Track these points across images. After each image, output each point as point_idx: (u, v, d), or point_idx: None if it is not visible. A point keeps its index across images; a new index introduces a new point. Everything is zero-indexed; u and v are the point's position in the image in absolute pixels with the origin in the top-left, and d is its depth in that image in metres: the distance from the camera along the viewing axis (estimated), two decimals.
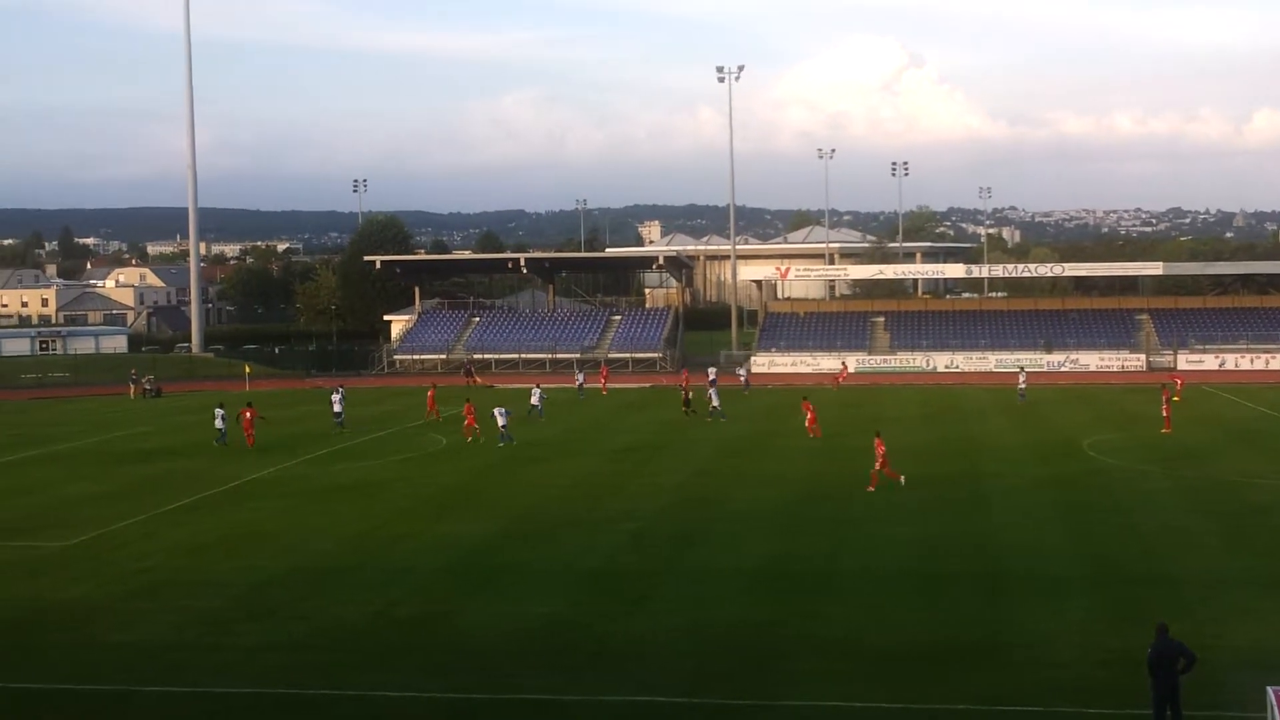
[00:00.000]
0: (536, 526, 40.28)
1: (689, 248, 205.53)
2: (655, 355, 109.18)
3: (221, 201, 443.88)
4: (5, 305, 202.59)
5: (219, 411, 61.35)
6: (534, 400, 71.43)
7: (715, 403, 70.53)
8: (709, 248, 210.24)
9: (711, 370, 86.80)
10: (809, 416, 60.68)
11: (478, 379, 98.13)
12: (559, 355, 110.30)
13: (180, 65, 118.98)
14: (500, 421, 59.60)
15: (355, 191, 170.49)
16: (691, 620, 29.17)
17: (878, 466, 45.84)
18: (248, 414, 60.01)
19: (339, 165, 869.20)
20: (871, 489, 44.89)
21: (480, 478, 50.64)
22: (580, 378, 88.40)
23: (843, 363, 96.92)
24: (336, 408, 67.82)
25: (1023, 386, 78.60)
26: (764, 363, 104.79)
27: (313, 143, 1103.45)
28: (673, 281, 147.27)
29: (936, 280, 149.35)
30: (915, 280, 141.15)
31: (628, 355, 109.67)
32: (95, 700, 24.42)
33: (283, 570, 34.82)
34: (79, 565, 35.78)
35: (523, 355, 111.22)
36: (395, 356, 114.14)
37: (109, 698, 24.54)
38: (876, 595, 31.16)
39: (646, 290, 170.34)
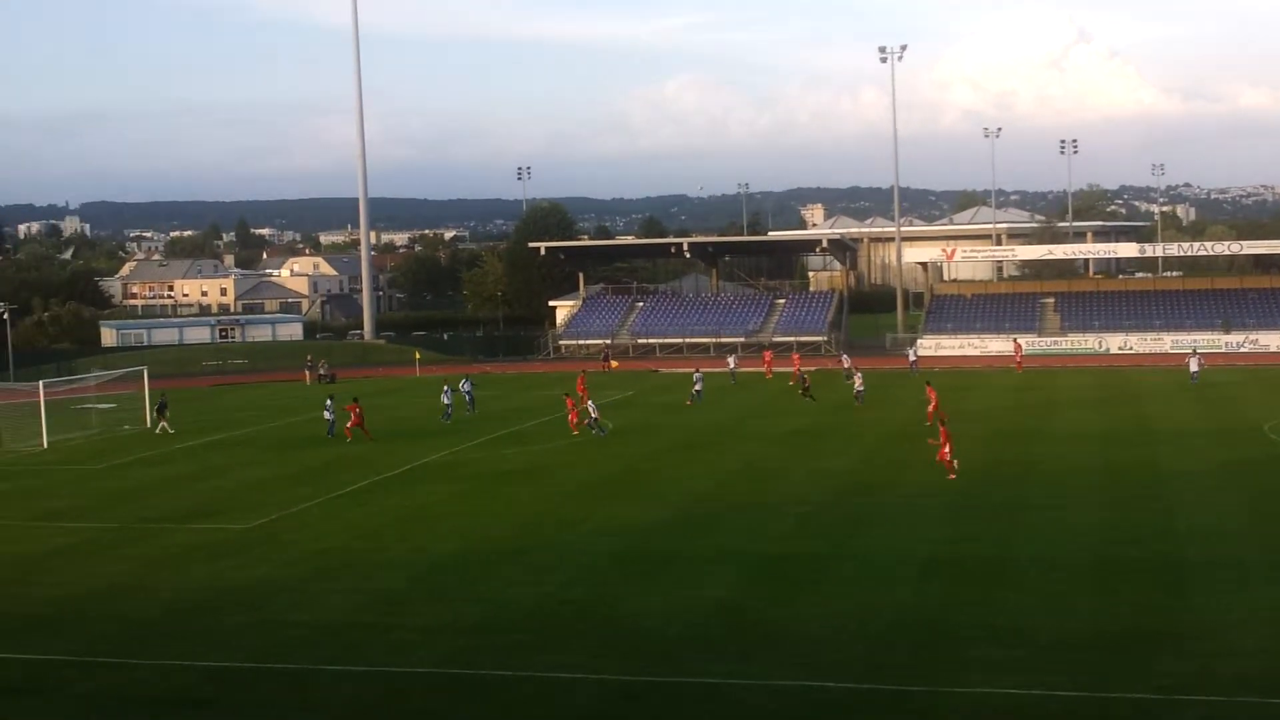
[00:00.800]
0: (704, 511, 40.33)
1: (852, 230, 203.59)
2: (819, 339, 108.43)
3: (391, 191, 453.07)
4: (186, 295, 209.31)
5: (328, 403, 61.82)
6: (696, 386, 71.40)
7: (859, 386, 69.18)
8: (873, 230, 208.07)
9: (846, 357, 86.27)
10: (932, 402, 58.60)
11: (613, 364, 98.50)
12: (723, 339, 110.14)
13: (349, 59, 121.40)
14: (593, 413, 58.60)
15: (520, 179, 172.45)
16: (861, 606, 28.94)
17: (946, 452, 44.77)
18: (356, 409, 59.55)
19: (504, 154, 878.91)
20: (952, 477, 44.05)
21: (648, 462, 50.85)
22: (732, 362, 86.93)
23: (1015, 341, 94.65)
24: (445, 399, 66.35)
25: (1195, 369, 76.18)
26: (931, 345, 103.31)
27: (478, 132, 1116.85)
28: (836, 264, 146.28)
29: (1108, 260, 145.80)
30: (1086, 260, 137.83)
31: (792, 339, 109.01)
32: (277, 679, 25.07)
33: (455, 552, 35.40)
34: (259, 547, 36.79)
35: (687, 340, 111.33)
36: (560, 342, 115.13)
37: (290, 676, 25.17)
38: (1052, 582, 30.57)
39: (810, 273, 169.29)
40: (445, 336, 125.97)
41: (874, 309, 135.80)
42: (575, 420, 59.25)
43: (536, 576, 32.53)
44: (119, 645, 27.38)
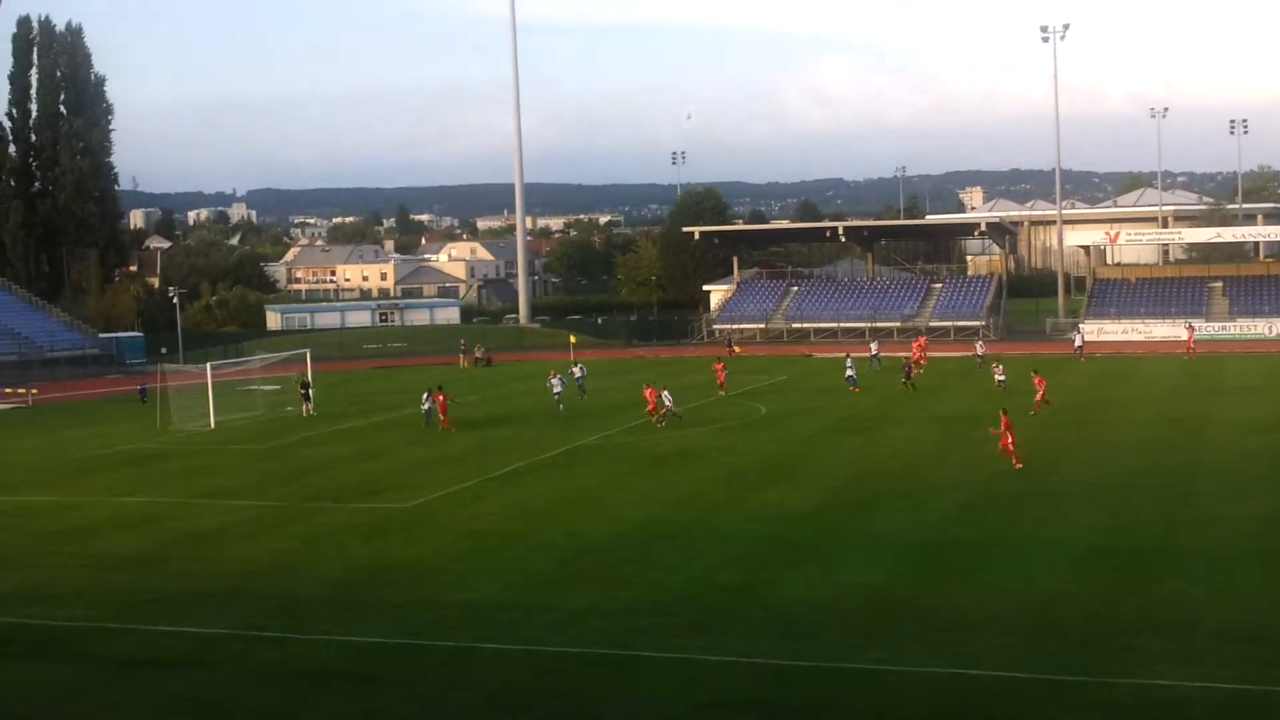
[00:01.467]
0: (858, 496, 40.00)
1: (1012, 213, 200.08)
2: (977, 323, 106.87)
3: (547, 177, 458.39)
4: (348, 279, 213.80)
5: (425, 395, 61.57)
6: (848, 371, 70.87)
7: (1001, 376, 66.64)
8: (1033, 213, 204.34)
9: (981, 345, 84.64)
10: (1039, 390, 57.25)
11: (736, 349, 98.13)
12: (878, 324, 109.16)
13: (507, 47, 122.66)
14: (668, 402, 57.08)
15: (674, 164, 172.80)
16: (1017, 594, 28.42)
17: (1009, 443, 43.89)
18: (440, 397, 59.14)
19: (658, 139, 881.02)
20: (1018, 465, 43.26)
21: (802, 446, 50.61)
22: (874, 348, 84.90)
23: (1188, 326, 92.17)
24: (556, 387, 65.75)
25: None
26: (1093, 331, 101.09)
27: (632, 118, 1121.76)
28: (995, 248, 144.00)
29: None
30: (1256, 243, 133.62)
31: (949, 324, 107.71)
32: (432, 655, 25.45)
33: (608, 535, 35.59)
34: (417, 526, 37.39)
35: (841, 324, 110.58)
36: (714, 326, 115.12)
37: (445, 653, 25.54)
38: (1217, 573, 29.68)
39: (968, 258, 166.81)
40: (599, 320, 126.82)
41: (1033, 293, 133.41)
42: (653, 410, 57.43)
43: (687, 560, 32.55)
44: (280, 620, 28.05)
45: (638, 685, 23.44)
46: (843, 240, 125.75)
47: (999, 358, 74.27)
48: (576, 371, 70.88)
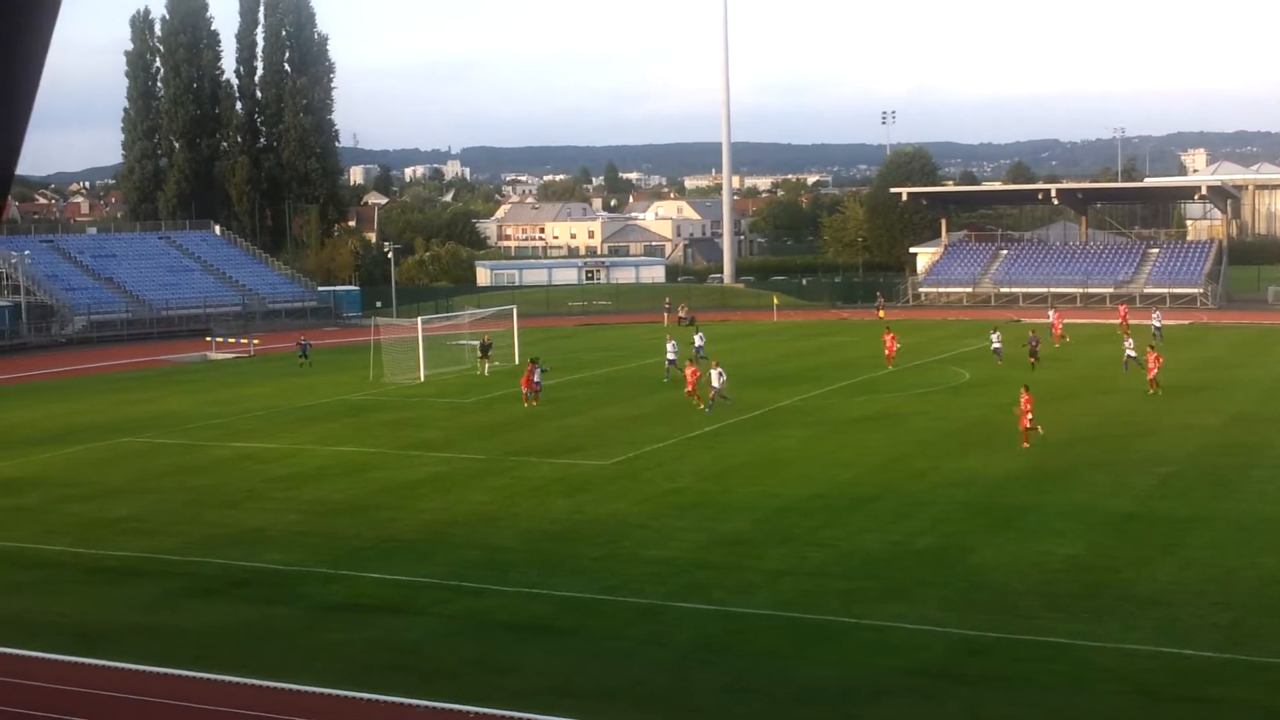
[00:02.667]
0: (1061, 465, 39.23)
1: (1236, 177, 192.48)
2: (1195, 291, 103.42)
3: (755, 136, 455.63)
4: (556, 237, 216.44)
5: (672, 345, 61.78)
6: (995, 344, 67.27)
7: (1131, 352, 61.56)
8: (1259, 177, 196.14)
9: (1159, 315, 79.83)
10: (1151, 369, 53.61)
11: (881, 313, 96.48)
12: (1090, 290, 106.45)
13: (717, 5, 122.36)
14: (716, 382, 51.72)
15: (884, 124, 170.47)
16: (1226, 571, 27.62)
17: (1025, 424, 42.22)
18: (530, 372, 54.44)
19: (868, 98, 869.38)
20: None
21: (1002, 414, 49.71)
22: (1052, 315, 79.98)
23: None
24: (670, 355, 61.63)
25: None
26: None
27: (842, 77, 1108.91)
28: (1216, 213, 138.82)
29: None
30: None
31: (1165, 290, 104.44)
32: (628, 611, 25.86)
33: (802, 497, 35.61)
34: (616, 483, 37.93)
35: (1051, 289, 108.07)
36: (920, 289, 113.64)
37: (640, 610, 25.93)
38: None
39: (1188, 222, 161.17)
40: (804, 282, 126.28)
41: (1256, 260, 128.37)
42: (693, 389, 52.66)
43: (883, 524, 32.42)
44: (481, 571, 28.81)
45: (829, 649, 23.49)
46: (1055, 203, 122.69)
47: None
48: (697, 340, 67.98)
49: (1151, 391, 52.56)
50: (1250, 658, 22.47)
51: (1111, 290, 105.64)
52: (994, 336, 68.33)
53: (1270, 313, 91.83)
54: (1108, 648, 23.08)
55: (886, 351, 65.10)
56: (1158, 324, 75.46)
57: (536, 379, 53.94)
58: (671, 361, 61.45)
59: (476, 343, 67.43)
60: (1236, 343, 75.28)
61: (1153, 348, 56.13)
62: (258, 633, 25.00)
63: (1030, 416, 42.29)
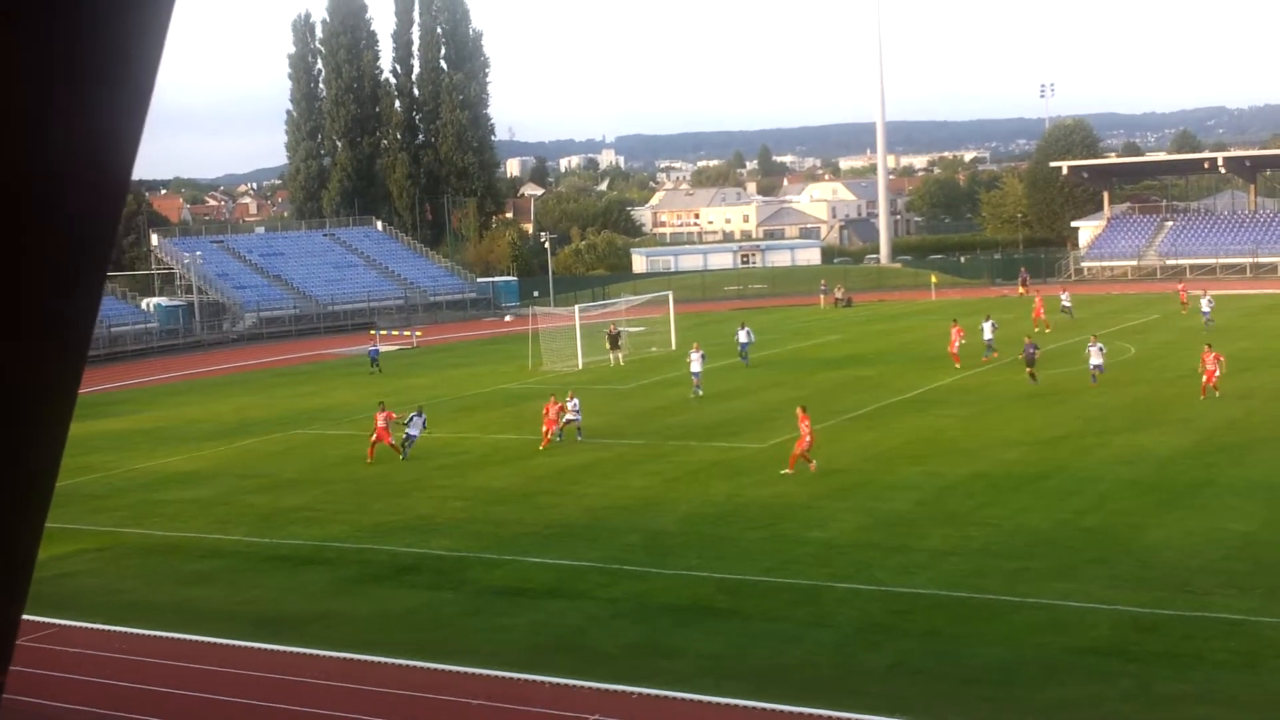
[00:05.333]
0: (1236, 440, 38.19)
1: None
2: None
3: (909, 115, 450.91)
4: (711, 222, 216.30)
5: (987, 325, 59.28)
6: (986, 335, 61.28)
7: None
8: None
9: (1209, 300, 69.93)
10: (1207, 374, 45.31)
11: (1023, 289, 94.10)
12: (1260, 259, 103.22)
13: None
14: (694, 368, 51.92)
15: (1042, 97, 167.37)
16: None
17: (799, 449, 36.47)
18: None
19: (1026, 71, 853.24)
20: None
21: (1171, 388, 48.66)
22: (1065, 297, 75.29)
23: None
24: (696, 365, 53.45)
25: None
26: None
27: (999, 50, 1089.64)
28: None
29: None
30: None
31: None
32: (789, 593, 25.86)
33: (965, 476, 35.21)
34: (775, 465, 37.82)
35: (1219, 260, 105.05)
36: (1083, 264, 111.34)
37: (801, 591, 25.91)
38: None
39: None
40: (962, 260, 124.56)
41: None
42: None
43: (1050, 502, 31.92)
44: (642, 554, 29.06)
45: (994, 628, 23.23)
46: (1223, 172, 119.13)
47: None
48: (742, 337, 63.02)
49: (1204, 396, 44.73)
50: None
51: None
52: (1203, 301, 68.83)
53: None
54: None
55: (950, 349, 57.88)
56: (1206, 308, 68.49)
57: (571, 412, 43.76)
58: (696, 373, 52.82)
59: (618, 332, 66.80)
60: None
61: (1210, 346, 47.49)
62: (426, 617, 25.55)
63: (1215, 375, 42.58)
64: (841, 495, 33.87)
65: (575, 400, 43.18)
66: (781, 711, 20.00)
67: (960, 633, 23.14)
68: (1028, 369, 50.41)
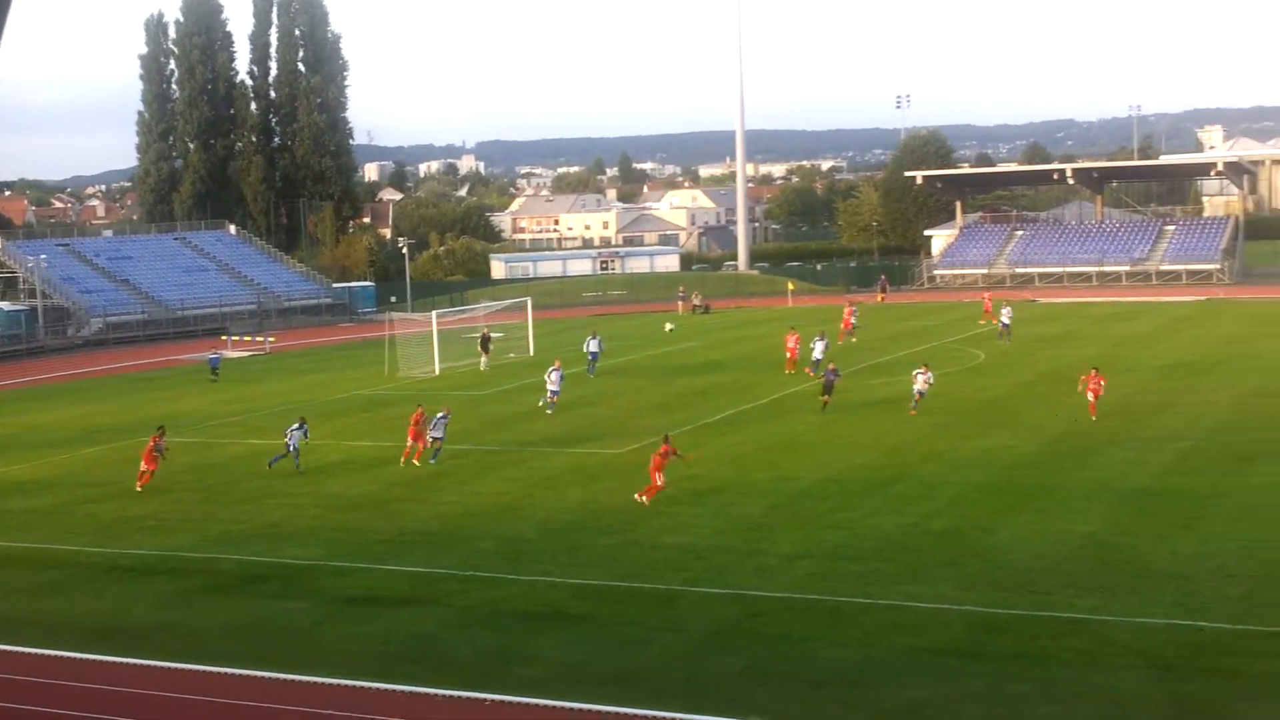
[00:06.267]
0: (1077, 444, 39.14)
1: (1252, 152, 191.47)
2: (1212, 267, 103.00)
3: (769, 123, 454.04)
4: (570, 229, 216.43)
5: (819, 343, 57.42)
6: (1004, 318, 67.55)
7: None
8: (1276, 152, 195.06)
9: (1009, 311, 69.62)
10: (1093, 392, 43.31)
11: (882, 297, 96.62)
12: (1106, 268, 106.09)
13: None
14: (551, 387, 49.43)
15: (898, 108, 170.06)
16: (1243, 545, 27.54)
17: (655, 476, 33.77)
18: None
19: (882, 82, 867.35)
20: None
21: (1017, 393, 49.71)
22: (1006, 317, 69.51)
23: None
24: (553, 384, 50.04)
25: None
26: None
27: (858, 61, 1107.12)
28: (1233, 189, 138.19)
29: None
30: None
31: (1181, 267, 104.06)
32: (644, 598, 25.86)
33: (818, 480, 35.57)
34: (631, 471, 37.72)
35: (1067, 269, 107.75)
36: (936, 272, 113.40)
37: (656, 596, 25.93)
38: None
39: (1204, 199, 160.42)
40: (819, 267, 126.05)
41: (1273, 235, 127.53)
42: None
43: (900, 506, 32.38)
44: (497, 561, 28.85)
45: (845, 630, 23.48)
46: (1071, 183, 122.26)
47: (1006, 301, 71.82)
48: (592, 346, 60.90)
49: (1094, 415, 42.72)
50: (1266, 628, 22.44)
51: (1128, 268, 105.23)
52: (1004, 312, 67.94)
53: None
54: (1125, 622, 23.06)
55: (789, 354, 58.31)
56: (1006, 320, 67.70)
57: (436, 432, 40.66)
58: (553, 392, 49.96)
59: (477, 336, 66.98)
60: (1253, 318, 74.97)
61: (1097, 369, 44.62)
62: (274, 627, 25.06)
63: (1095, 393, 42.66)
64: (697, 500, 33.98)
65: (445, 414, 41.82)
66: (634, 715, 19.99)
67: (812, 635, 23.34)
68: (824, 395, 46.87)
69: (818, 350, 56.43)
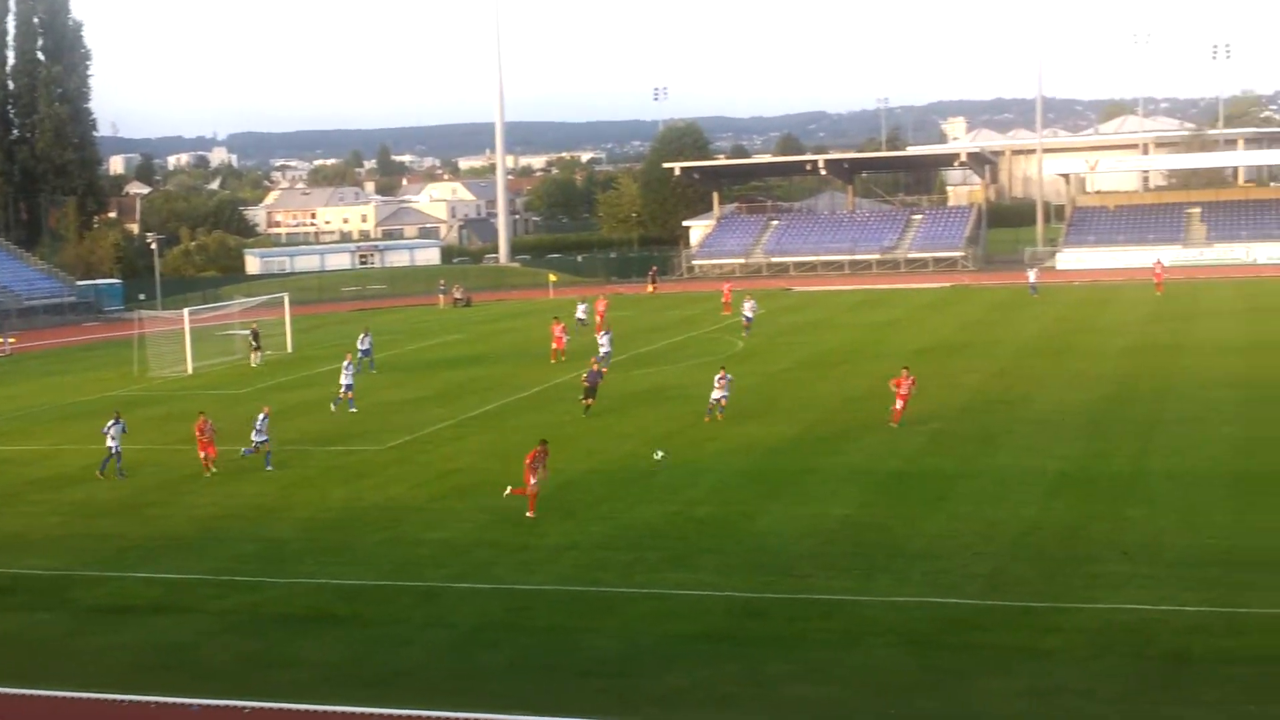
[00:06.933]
0: (834, 429, 40.18)
1: (993, 144, 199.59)
2: (956, 254, 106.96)
3: (528, 115, 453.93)
4: (328, 222, 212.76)
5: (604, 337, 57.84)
6: (746, 312, 67.32)
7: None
8: (1015, 142, 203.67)
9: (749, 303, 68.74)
10: (901, 392, 40.43)
11: (653, 288, 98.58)
12: (858, 256, 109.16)
13: None
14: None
15: (656, 100, 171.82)
16: (989, 523, 28.68)
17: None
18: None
19: (642, 74, 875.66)
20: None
21: (777, 381, 50.79)
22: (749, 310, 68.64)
23: (1158, 262, 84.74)
24: (605, 348, 55.02)
25: None
26: (1072, 259, 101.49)
27: (615, 54, 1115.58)
28: (976, 179, 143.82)
29: (1259, 168, 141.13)
30: (1235, 168, 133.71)
31: (928, 255, 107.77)
32: (408, 595, 25.61)
33: (583, 472, 35.74)
34: (394, 468, 37.49)
35: (821, 258, 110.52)
36: (694, 262, 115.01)
37: (421, 593, 25.70)
38: (1185, 498, 30.00)
39: (949, 188, 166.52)
40: (580, 259, 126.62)
41: (1014, 223, 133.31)
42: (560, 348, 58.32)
43: (664, 495, 32.75)
44: (257, 565, 28.15)
45: (611, 620, 23.64)
46: (823, 173, 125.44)
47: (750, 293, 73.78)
48: (364, 344, 59.27)
49: (897, 423, 40.03)
50: (1011, 603, 23.40)
51: (878, 256, 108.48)
52: (746, 307, 67.50)
53: (1027, 274, 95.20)
54: (879, 601, 23.77)
55: (555, 345, 59.16)
56: (749, 314, 67.30)
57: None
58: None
59: (247, 332, 65.57)
60: (995, 303, 78.12)
61: (907, 369, 42.00)
62: (21, 641, 24.01)
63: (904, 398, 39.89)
64: (461, 495, 33.80)
65: (265, 414, 39.89)
66: (401, 716, 19.77)
67: (579, 626, 23.44)
68: (586, 399, 44.69)
69: (604, 344, 56.11)
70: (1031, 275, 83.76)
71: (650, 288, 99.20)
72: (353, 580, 26.69)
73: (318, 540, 30.08)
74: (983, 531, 28.03)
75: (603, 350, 55.47)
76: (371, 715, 19.81)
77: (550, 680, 20.96)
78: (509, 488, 31.91)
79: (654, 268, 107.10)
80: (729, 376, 43.07)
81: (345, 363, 48.88)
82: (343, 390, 47.97)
